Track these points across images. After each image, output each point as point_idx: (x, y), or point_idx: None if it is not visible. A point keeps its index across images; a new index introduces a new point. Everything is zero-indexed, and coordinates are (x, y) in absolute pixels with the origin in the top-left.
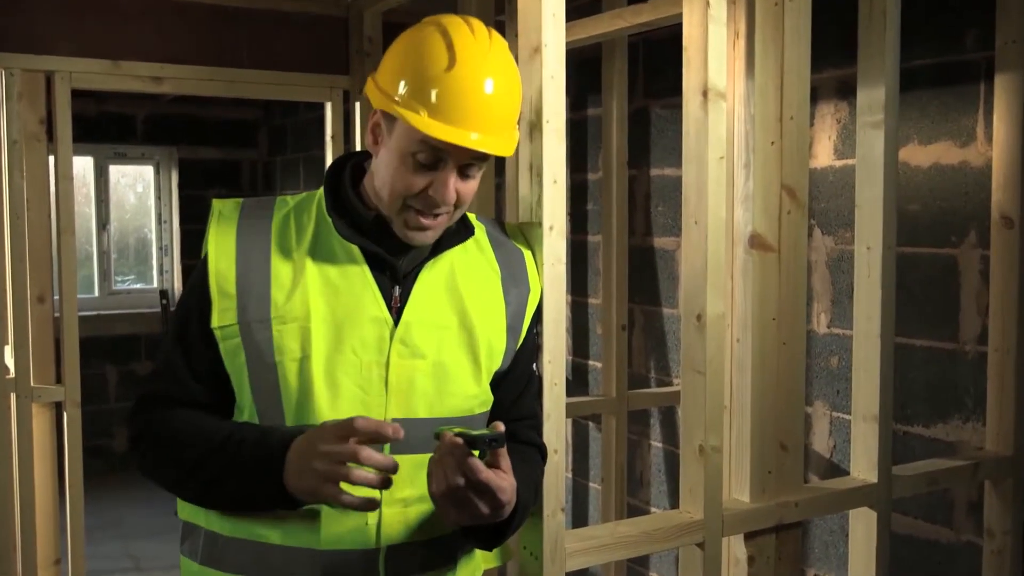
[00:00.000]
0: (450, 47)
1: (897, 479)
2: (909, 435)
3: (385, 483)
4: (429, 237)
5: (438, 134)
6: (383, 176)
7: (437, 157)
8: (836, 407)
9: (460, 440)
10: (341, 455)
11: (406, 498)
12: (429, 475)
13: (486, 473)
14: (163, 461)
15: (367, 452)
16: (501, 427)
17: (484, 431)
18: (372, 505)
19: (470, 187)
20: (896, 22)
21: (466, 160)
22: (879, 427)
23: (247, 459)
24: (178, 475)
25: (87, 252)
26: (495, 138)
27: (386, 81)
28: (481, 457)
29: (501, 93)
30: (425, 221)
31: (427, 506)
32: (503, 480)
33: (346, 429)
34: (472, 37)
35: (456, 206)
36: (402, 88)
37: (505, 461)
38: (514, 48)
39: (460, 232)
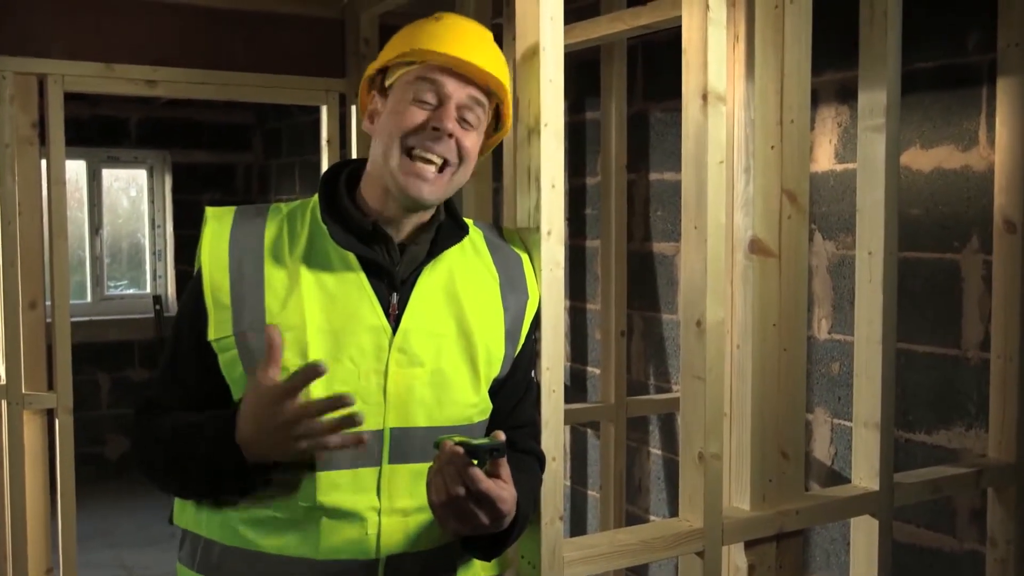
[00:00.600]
0: (437, 17)
1: (899, 487)
2: (911, 442)
3: (354, 421)
4: (428, 191)
5: (437, 46)
6: (383, 135)
7: (437, 92)
8: (837, 414)
9: (461, 449)
10: (296, 419)
11: (405, 508)
12: (429, 484)
13: (487, 483)
14: (153, 465)
15: (312, 410)
16: (502, 436)
17: (484, 440)
18: (359, 439)
19: (471, 140)
20: (898, 24)
21: (464, 99)
22: (881, 434)
23: (208, 447)
24: (163, 474)
25: (79, 257)
26: (490, 66)
27: (381, 57)
28: (481, 466)
29: (489, 50)
30: (422, 167)
31: (427, 516)
32: (503, 490)
33: (281, 392)
34: (459, 15)
35: (460, 160)
36: (398, 48)
37: (505, 471)
38: (512, 51)
39: (454, 232)
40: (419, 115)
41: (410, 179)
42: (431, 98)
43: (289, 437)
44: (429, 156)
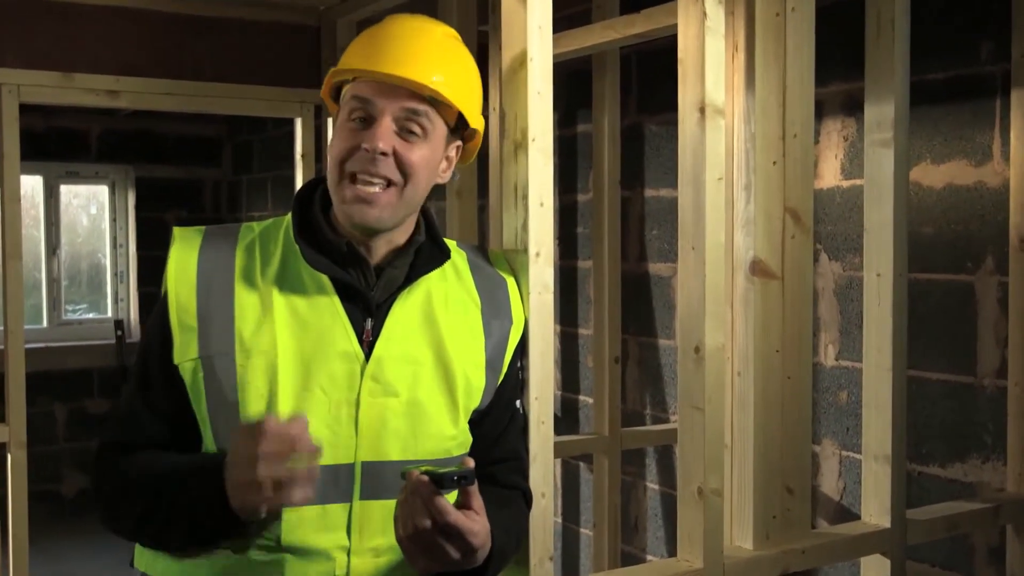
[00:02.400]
0: (381, 23)
1: (912, 524)
2: (924, 476)
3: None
4: (374, 215)
5: (364, 62)
6: (328, 161)
7: (368, 111)
8: (846, 446)
9: (426, 478)
10: (252, 459)
11: (377, 547)
12: (395, 519)
13: (455, 515)
14: (120, 511)
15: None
16: (471, 463)
17: (451, 468)
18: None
19: (416, 153)
20: (905, 33)
21: (399, 112)
22: (892, 467)
23: (192, 495)
24: (135, 523)
25: (35, 279)
26: (424, 76)
27: (329, 75)
28: (450, 495)
29: (428, 59)
30: (364, 191)
31: (398, 555)
32: (474, 522)
33: (255, 432)
34: (419, 16)
35: (405, 177)
36: (338, 66)
37: (477, 501)
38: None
39: (435, 256)
40: (353, 138)
41: (354, 206)
42: (364, 115)
43: (255, 479)
44: (367, 179)
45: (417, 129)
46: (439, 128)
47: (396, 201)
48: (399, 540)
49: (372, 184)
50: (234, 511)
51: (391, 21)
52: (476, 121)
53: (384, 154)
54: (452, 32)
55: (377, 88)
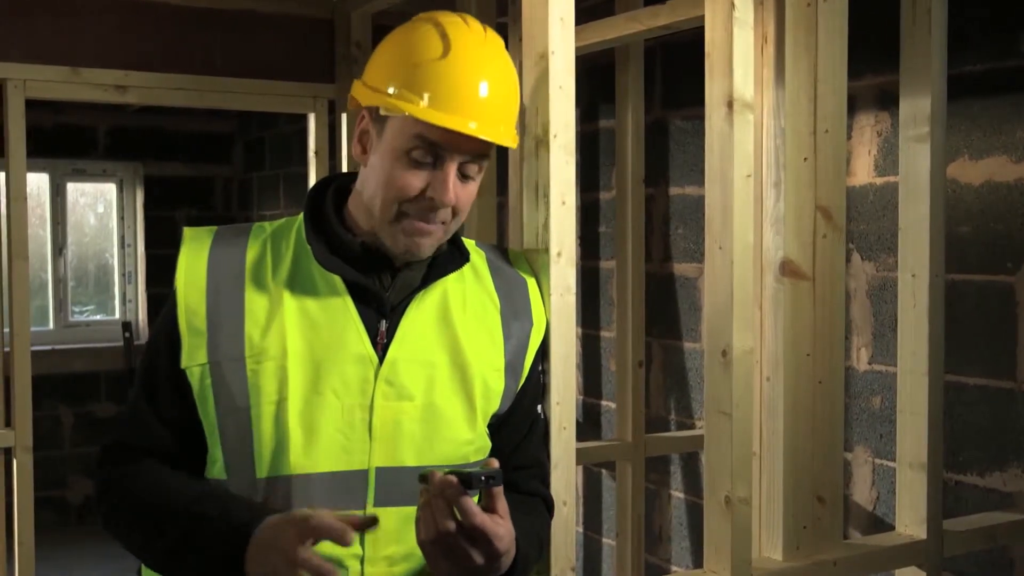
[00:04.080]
0: (444, 36)
1: (949, 535)
2: (961, 485)
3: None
4: (427, 246)
5: (438, 121)
6: (373, 184)
7: (435, 154)
8: (879, 453)
9: (453, 478)
10: (289, 551)
11: (391, 555)
12: (417, 522)
13: (481, 517)
14: (127, 524)
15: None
16: (495, 463)
17: (476, 469)
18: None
19: (469, 191)
20: (943, 23)
21: (465, 156)
22: (928, 476)
23: (208, 537)
24: (141, 541)
25: (41, 280)
26: (494, 128)
27: (375, 77)
28: (475, 497)
29: (499, 84)
30: (423, 227)
31: (414, 564)
32: (499, 526)
33: (304, 529)
34: (466, 27)
35: (454, 214)
36: (394, 81)
37: (502, 504)
38: (518, 54)
39: (454, 258)
40: (416, 182)
41: (410, 239)
42: (430, 158)
43: (290, 563)
44: (427, 220)
45: (474, 171)
46: (485, 167)
47: (444, 235)
48: (420, 544)
49: (430, 223)
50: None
51: (456, 49)
52: (515, 142)
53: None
54: (500, 42)
55: (448, 136)
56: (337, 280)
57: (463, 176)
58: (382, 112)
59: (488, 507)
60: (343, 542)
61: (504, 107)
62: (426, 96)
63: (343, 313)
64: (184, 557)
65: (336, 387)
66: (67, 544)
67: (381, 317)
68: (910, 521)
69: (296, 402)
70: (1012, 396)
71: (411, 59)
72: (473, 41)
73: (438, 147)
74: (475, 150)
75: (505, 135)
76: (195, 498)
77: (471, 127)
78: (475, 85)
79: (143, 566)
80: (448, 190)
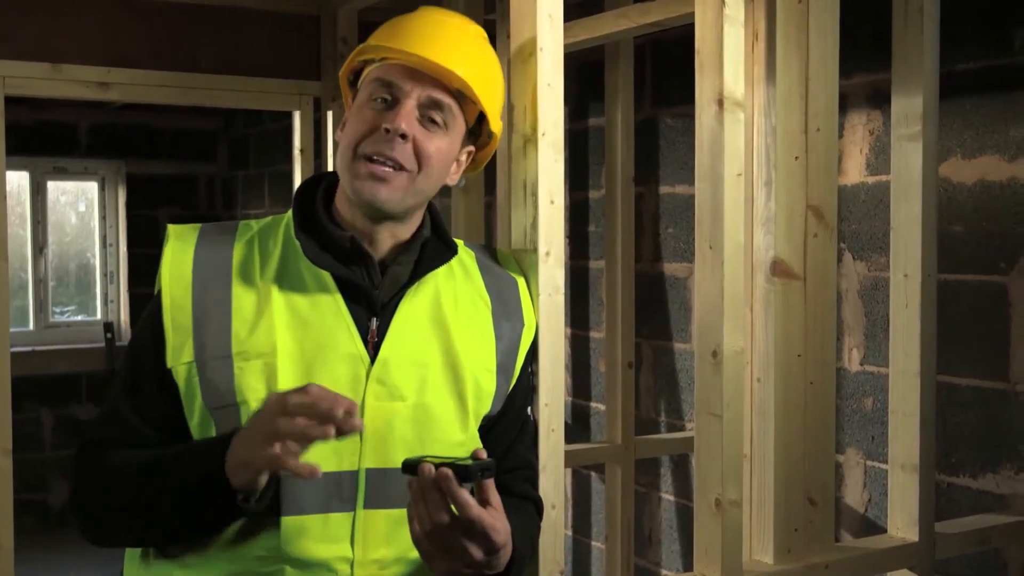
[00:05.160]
0: (415, 12)
1: (941, 537)
2: (954, 487)
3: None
4: (385, 193)
5: (396, 42)
6: (342, 143)
7: (391, 94)
8: (871, 455)
9: (448, 471)
10: (280, 411)
11: (381, 559)
12: (410, 518)
13: (478, 510)
14: (102, 509)
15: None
16: (485, 454)
17: (466, 460)
18: (314, 472)
19: (434, 143)
20: (935, 20)
21: (424, 99)
22: (920, 478)
23: (189, 462)
24: (118, 514)
25: (21, 280)
26: (454, 63)
27: (351, 57)
28: (470, 489)
29: (461, 51)
30: (378, 169)
31: (405, 567)
32: (496, 519)
33: (280, 401)
34: (448, 14)
35: (420, 165)
36: (362, 48)
37: (495, 496)
38: (506, 51)
39: (441, 252)
40: (373, 119)
41: (366, 183)
42: (387, 97)
43: (265, 433)
44: (382, 159)
45: (439, 119)
46: (459, 124)
47: (407, 186)
48: (416, 540)
49: (386, 165)
50: (232, 487)
51: (425, 11)
52: (496, 124)
53: (404, 136)
54: (483, 33)
55: (404, 71)
56: (327, 277)
57: (427, 121)
58: (352, 61)
59: (482, 500)
60: (344, 424)
61: (464, 63)
62: (392, 38)
63: (333, 311)
64: (168, 496)
65: (326, 386)
66: (48, 548)
67: (372, 315)
68: (902, 523)
69: None
70: (1005, 397)
71: (383, 27)
72: (442, 13)
73: (393, 87)
74: (434, 92)
75: (467, 76)
76: (174, 447)
77: (423, 52)
78: (437, 32)
79: (125, 566)
80: (400, 116)
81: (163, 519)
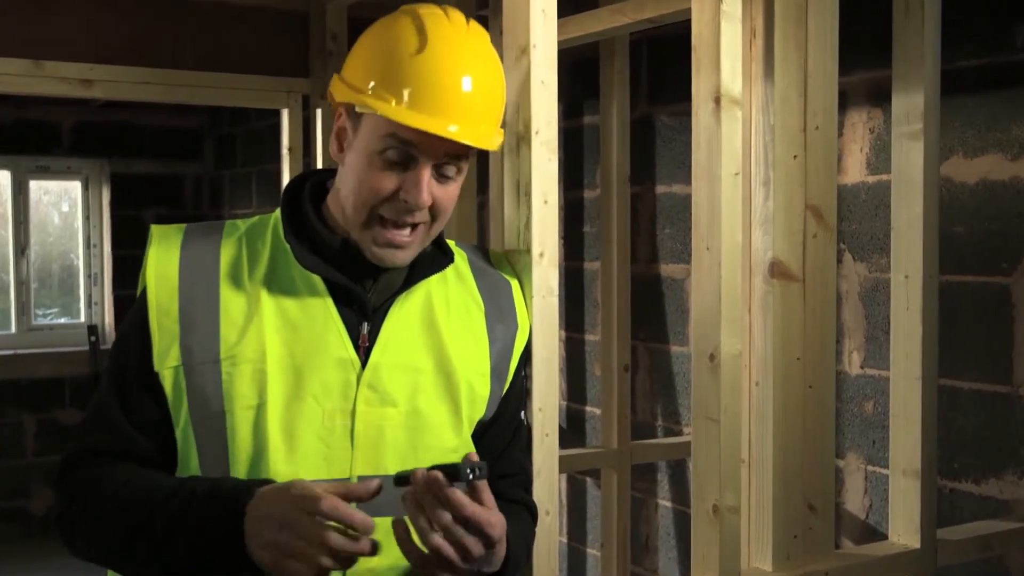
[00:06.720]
0: (421, 30)
1: (943, 544)
2: (956, 492)
3: (372, 549)
4: (402, 257)
5: (410, 121)
6: (349, 184)
7: (408, 154)
8: (872, 460)
9: (438, 473)
10: (306, 533)
11: (375, 568)
12: (417, 528)
13: (472, 507)
14: (102, 526)
15: (334, 537)
16: (476, 457)
17: (459, 463)
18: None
19: (449, 193)
20: (937, 17)
21: (441, 157)
22: (922, 483)
23: (199, 518)
24: (115, 544)
25: (3, 281)
26: (475, 129)
27: (352, 74)
28: (463, 488)
29: (481, 80)
30: (397, 236)
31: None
32: (491, 515)
33: (310, 504)
34: (447, 20)
35: (433, 217)
36: (370, 78)
37: (488, 496)
38: (499, 48)
39: (437, 259)
40: (389, 183)
41: (384, 250)
42: (403, 159)
43: (282, 546)
44: (400, 233)
45: (452, 171)
46: (466, 167)
47: (423, 239)
48: (429, 546)
49: (405, 228)
50: (250, 556)
51: (433, 43)
52: (500, 139)
53: (422, 207)
54: (484, 33)
55: (423, 137)
56: (317, 281)
57: (442, 176)
58: (357, 110)
59: (473, 498)
60: (365, 530)
61: (486, 106)
62: (404, 93)
63: (323, 315)
64: (174, 543)
65: (316, 392)
66: (29, 557)
67: (363, 319)
68: (903, 530)
69: (276, 407)
70: (1008, 401)
71: (387, 55)
72: (453, 35)
73: (411, 147)
74: (452, 151)
75: (485, 136)
76: (181, 482)
77: (450, 130)
78: (453, 83)
79: None
80: (422, 191)
81: (168, 565)
